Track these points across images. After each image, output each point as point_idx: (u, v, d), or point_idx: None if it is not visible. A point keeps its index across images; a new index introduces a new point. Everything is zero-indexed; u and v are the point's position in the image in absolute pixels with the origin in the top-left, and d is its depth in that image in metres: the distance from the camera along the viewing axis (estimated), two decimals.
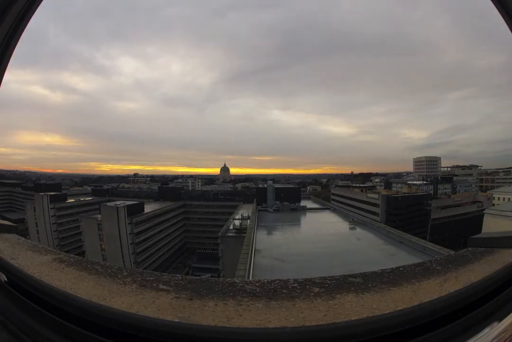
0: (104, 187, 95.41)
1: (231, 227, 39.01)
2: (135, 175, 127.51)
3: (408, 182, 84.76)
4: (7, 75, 1.43)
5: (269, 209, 50.13)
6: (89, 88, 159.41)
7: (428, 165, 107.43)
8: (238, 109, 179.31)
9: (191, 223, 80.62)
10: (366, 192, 68.90)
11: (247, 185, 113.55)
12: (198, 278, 1.47)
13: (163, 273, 1.51)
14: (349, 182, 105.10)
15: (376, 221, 41.29)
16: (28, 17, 1.38)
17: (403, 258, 20.07)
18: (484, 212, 49.31)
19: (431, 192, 73.95)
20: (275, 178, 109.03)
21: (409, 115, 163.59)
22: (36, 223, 64.87)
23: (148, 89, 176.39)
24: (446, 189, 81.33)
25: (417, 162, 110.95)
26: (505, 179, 78.46)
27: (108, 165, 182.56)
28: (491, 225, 41.81)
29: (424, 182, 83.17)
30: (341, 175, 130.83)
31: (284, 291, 1.27)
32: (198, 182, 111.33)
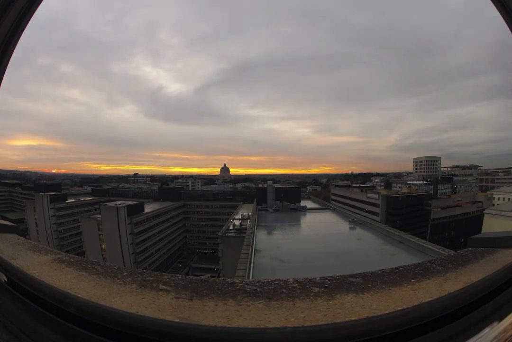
0: (104, 187, 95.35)
1: (231, 227, 39.04)
2: (135, 175, 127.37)
3: (408, 182, 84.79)
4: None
5: (269, 209, 50.14)
6: (88, 99, 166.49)
7: (428, 165, 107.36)
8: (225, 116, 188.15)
9: (191, 223, 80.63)
10: (366, 192, 68.84)
11: (247, 185, 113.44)
12: (198, 278, 1.47)
13: (163, 273, 1.51)
14: (349, 182, 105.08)
15: (376, 221, 41.29)
16: (28, 17, 1.38)
17: (403, 258, 20.08)
18: (484, 212, 49.34)
19: (431, 192, 73.98)
20: (275, 178, 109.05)
21: (377, 119, 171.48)
22: (36, 223, 64.86)
23: (137, 99, 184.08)
24: (446, 189, 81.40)
25: (417, 162, 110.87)
26: (505, 179, 78.41)
27: (108, 165, 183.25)
28: (491, 225, 41.82)
29: (424, 182, 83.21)
30: (341, 175, 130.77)
31: (284, 291, 1.27)
32: (198, 182, 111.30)
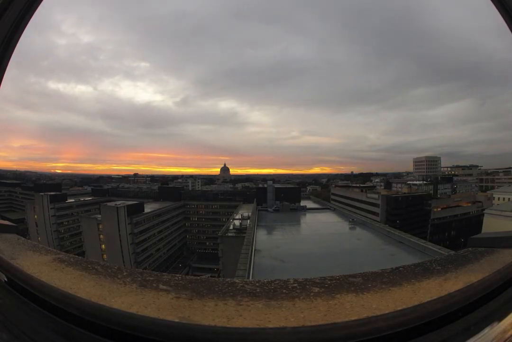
0: (104, 187, 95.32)
1: (231, 227, 39.08)
2: (135, 175, 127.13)
3: (408, 182, 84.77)
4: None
5: (269, 209, 50.18)
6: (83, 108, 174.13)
7: (428, 165, 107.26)
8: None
9: (191, 223, 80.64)
10: (366, 192, 68.84)
11: (247, 185, 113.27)
12: (198, 278, 1.46)
13: (163, 273, 1.51)
14: (349, 182, 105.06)
15: (376, 221, 41.33)
16: (28, 17, 1.38)
17: (403, 258, 20.12)
18: (484, 212, 49.40)
19: (431, 192, 74.01)
20: (275, 178, 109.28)
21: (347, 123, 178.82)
22: (36, 223, 64.83)
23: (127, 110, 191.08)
24: (446, 189, 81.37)
25: (417, 162, 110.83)
26: (505, 178, 78.38)
27: (106, 165, 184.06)
28: (491, 225, 41.88)
29: (424, 182, 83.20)
30: (341, 175, 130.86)
31: (284, 291, 1.26)
32: (198, 182, 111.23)
